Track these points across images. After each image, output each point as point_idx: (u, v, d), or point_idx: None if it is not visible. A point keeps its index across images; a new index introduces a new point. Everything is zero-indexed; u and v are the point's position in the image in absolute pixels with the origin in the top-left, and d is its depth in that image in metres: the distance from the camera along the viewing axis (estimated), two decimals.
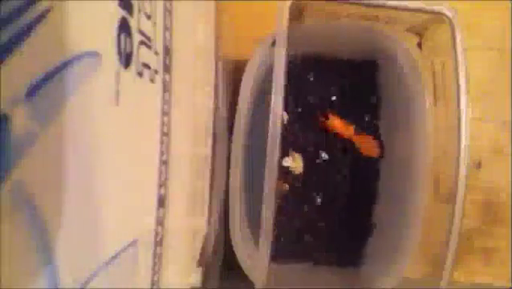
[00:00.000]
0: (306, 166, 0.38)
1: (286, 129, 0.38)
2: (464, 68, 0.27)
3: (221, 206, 0.30)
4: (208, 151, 0.29)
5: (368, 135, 0.38)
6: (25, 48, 0.11)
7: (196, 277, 0.27)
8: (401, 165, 0.34)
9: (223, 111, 0.31)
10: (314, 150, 0.38)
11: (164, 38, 0.21)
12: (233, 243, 0.29)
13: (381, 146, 0.38)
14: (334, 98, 0.38)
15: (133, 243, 0.18)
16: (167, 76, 0.21)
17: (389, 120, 0.37)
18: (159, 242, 0.20)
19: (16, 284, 0.11)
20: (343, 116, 0.38)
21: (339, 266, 0.38)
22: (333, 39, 0.36)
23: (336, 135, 0.38)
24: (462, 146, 0.26)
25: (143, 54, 0.18)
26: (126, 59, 0.16)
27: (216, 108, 0.30)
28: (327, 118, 0.37)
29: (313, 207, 0.38)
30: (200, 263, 0.28)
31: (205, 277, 0.28)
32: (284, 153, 0.37)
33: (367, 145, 0.37)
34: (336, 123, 0.37)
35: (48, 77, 0.12)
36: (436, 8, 0.27)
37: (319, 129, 0.38)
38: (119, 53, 0.15)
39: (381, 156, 0.38)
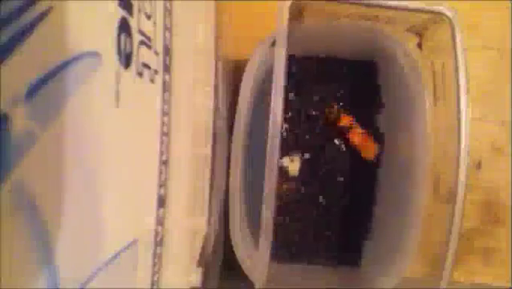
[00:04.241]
0: (306, 166, 0.38)
1: (287, 130, 0.38)
2: (464, 68, 0.27)
3: (221, 206, 0.30)
4: (208, 151, 0.29)
5: (369, 135, 0.38)
6: (25, 48, 0.11)
7: (196, 277, 0.27)
8: (401, 165, 0.34)
9: (223, 111, 0.31)
10: (314, 150, 0.38)
11: (164, 38, 0.21)
12: (233, 243, 0.29)
13: (380, 148, 0.38)
14: (334, 98, 0.38)
15: (133, 243, 0.18)
16: (167, 76, 0.21)
17: (389, 120, 0.37)
18: (159, 242, 0.20)
19: (16, 284, 0.11)
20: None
21: (338, 266, 0.38)
22: (333, 39, 0.36)
23: (338, 133, 0.38)
24: (462, 146, 0.26)
25: (143, 55, 0.18)
26: (126, 59, 0.16)
27: (216, 108, 0.30)
28: (333, 107, 0.37)
29: (313, 207, 0.38)
30: (200, 263, 0.28)
31: (205, 277, 0.28)
32: (284, 154, 0.37)
33: (366, 146, 0.37)
34: (344, 118, 0.37)
35: (48, 77, 0.12)
36: (436, 8, 0.27)
37: (319, 129, 0.38)
38: (119, 53, 0.15)
39: (376, 159, 0.38)
